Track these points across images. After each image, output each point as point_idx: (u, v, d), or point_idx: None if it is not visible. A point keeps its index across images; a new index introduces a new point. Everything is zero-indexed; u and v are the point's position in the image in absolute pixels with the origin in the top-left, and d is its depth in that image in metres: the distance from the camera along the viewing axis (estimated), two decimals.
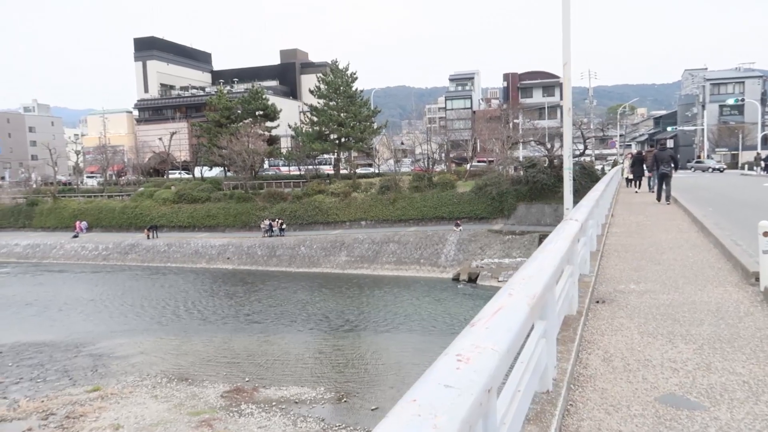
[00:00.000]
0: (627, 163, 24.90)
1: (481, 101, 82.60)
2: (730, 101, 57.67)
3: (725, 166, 50.31)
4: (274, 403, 16.93)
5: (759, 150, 48.63)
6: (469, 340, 1.59)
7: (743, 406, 3.01)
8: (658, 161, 17.83)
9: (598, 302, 5.33)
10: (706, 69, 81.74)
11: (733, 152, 63.55)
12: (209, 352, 22.68)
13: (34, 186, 63.26)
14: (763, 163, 39.97)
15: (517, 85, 74.63)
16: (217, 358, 21.71)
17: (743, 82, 71.03)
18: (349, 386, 18.39)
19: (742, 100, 60.44)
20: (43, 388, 18.77)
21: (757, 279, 5.56)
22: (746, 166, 44.97)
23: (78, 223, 51.04)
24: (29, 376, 19.99)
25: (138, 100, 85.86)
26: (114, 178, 65.99)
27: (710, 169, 49.34)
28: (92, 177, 71.50)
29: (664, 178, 17.64)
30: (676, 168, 18.29)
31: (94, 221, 51.73)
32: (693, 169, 51.78)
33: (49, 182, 64.36)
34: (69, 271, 42.08)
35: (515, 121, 53.76)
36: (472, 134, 57.08)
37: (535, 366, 2.61)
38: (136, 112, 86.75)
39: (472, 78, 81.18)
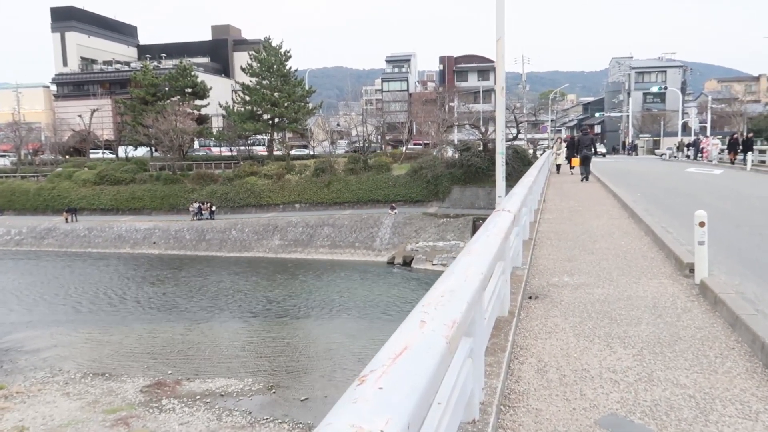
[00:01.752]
0: (556, 147, 24.91)
1: (417, 84, 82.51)
2: (654, 89, 59.92)
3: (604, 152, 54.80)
4: (198, 397, 16.08)
5: (680, 137, 50.84)
6: (348, 416, 1.05)
7: (692, 428, 2.64)
8: (580, 144, 20.12)
9: (531, 298, 4.96)
10: (632, 58, 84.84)
11: (655, 138, 66.37)
12: (130, 343, 21.41)
13: None
14: (686, 149, 41.75)
15: (453, 69, 74.90)
16: (138, 351, 20.51)
17: (665, 71, 74.11)
18: (278, 377, 17.75)
19: (665, 87, 63.04)
20: None
21: (692, 270, 5.36)
22: (667, 153, 47.11)
23: None
24: None
25: (56, 75, 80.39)
26: (29, 157, 61.63)
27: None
28: (4, 156, 66.49)
29: (585, 160, 19.90)
30: (595, 151, 21.45)
31: (6, 203, 48.13)
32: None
33: None
34: None
35: (451, 104, 53.87)
36: (408, 116, 56.81)
37: (458, 395, 2.11)
38: (54, 87, 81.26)
39: (409, 60, 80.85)
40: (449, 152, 43.49)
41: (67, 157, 59.69)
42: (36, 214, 46.53)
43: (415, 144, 53.58)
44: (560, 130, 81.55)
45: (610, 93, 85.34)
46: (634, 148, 61.66)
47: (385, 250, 35.10)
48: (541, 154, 33.67)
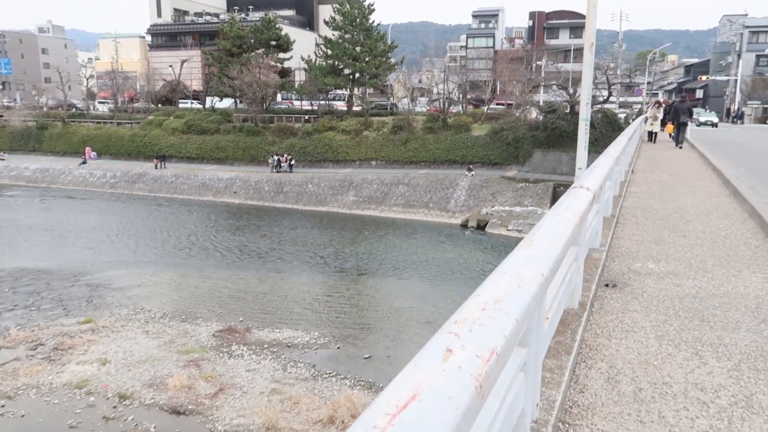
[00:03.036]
0: (651, 112, 22.51)
1: (504, 40, 79.18)
2: None
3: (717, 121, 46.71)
4: (266, 346, 16.52)
5: None
6: None
7: None
8: (678, 111, 20.47)
9: (607, 286, 4.39)
10: (746, 15, 77.16)
11: (765, 105, 60.61)
12: (207, 288, 22.30)
13: (45, 109, 62.40)
14: None
15: (543, 25, 71.12)
16: (214, 296, 21.33)
17: None
18: (344, 332, 17.92)
19: None
20: (36, 316, 18.53)
21: None
22: None
23: (87, 149, 50.41)
24: (24, 303, 19.76)
25: (151, 25, 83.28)
26: (126, 104, 64.82)
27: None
28: (104, 103, 70.30)
29: (682, 126, 20.59)
30: (691, 118, 22.32)
31: (103, 148, 51.08)
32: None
33: (59, 106, 63.40)
34: (76, 198, 41.82)
35: (538, 63, 51.30)
36: (492, 75, 54.75)
37: (503, 421, 1.71)
38: (149, 38, 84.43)
39: (497, 15, 77.50)
40: (533, 114, 41.66)
41: (159, 105, 62.27)
42: (129, 159, 49.13)
43: (497, 104, 51.70)
44: (657, 93, 76.15)
45: (718, 54, 78.35)
46: (740, 116, 56.61)
47: (459, 213, 34.46)
48: (634, 119, 31.42)
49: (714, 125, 43.84)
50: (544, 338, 2.38)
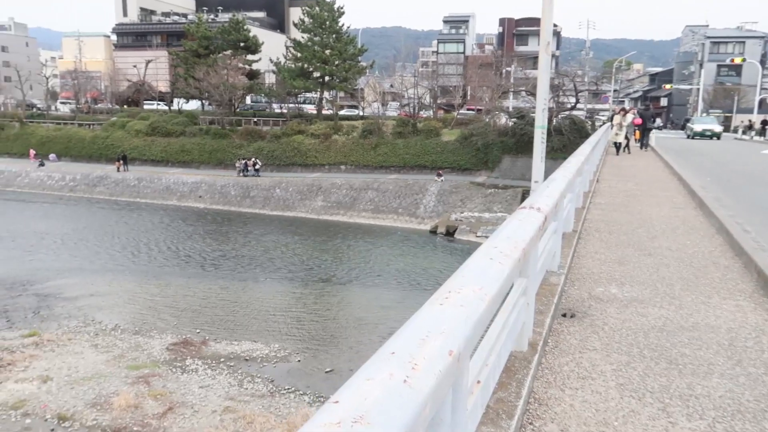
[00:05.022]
0: (617, 120, 22.03)
1: (474, 46, 79.44)
2: (738, 59, 54.97)
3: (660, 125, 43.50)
4: (222, 360, 15.79)
5: (756, 113, 46.88)
6: None
7: None
8: (644, 118, 23.35)
9: (565, 316, 3.92)
10: (708, 27, 78.94)
11: (726, 114, 61.89)
12: (164, 297, 21.41)
13: (2, 110, 60.17)
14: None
15: (513, 32, 71.55)
16: (171, 306, 20.46)
17: (744, 42, 68.66)
18: (306, 344, 17.29)
19: (745, 59, 58.30)
20: None
21: None
22: (740, 130, 43.14)
23: (32, 151, 48.37)
24: None
25: (116, 24, 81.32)
26: (89, 106, 62.93)
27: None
28: (66, 103, 68.27)
29: (647, 132, 23.50)
30: (653, 124, 26.59)
31: (64, 150, 49.36)
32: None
33: (18, 106, 61.22)
34: (32, 201, 40.25)
35: (508, 69, 51.42)
36: (462, 80, 54.71)
37: None
38: (114, 37, 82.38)
39: (467, 21, 77.70)
40: (502, 119, 41.62)
41: (123, 107, 60.62)
42: (90, 162, 47.57)
43: (468, 109, 51.60)
44: (623, 101, 77.27)
45: (681, 64, 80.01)
46: None
47: (428, 218, 34.09)
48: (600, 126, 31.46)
49: (716, 136, 33.68)
50: (471, 410, 1.85)
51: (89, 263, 25.66)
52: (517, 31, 71.49)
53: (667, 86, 69.13)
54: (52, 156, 48.21)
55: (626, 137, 21.59)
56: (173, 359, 15.73)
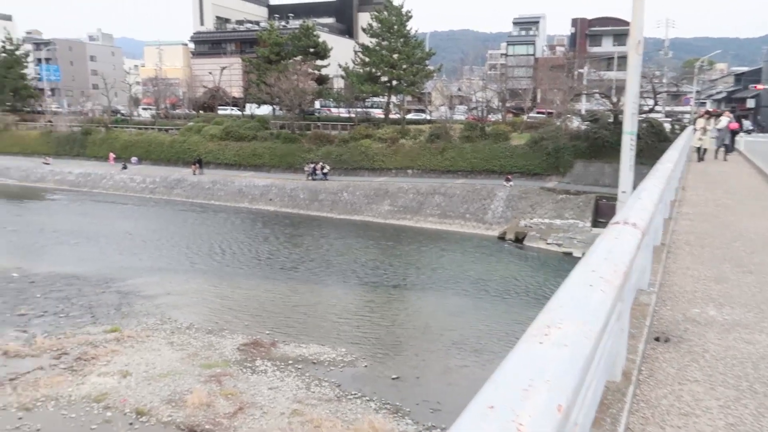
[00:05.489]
0: (701, 123, 20.33)
1: (545, 48, 77.59)
2: None
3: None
4: (290, 362, 16.00)
5: None
6: None
7: None
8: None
9: (658, 340, 3.62)
10: None
11: None
12: (236, 298, 22.00)
13: (90, 116, 64.02)
14: None
15: (586, 32, 69.35)
16: (242, 306, 21.00)
17: None
18: (373, 349, 17.28)
19: None
20: (64, 324, 18.50)
21: None
22: None
23: (111, 155, 51.23)
24: (54, 309, 19.80)
25: (194, 33, 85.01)
26: (167, 111, 65.96)
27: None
28: (147, 109, 71.85)
29: (733, 136, 21.73)
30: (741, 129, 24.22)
31: (144, 153, 51.90)
32: None
33: (104, 112, 64.98)
34: (116, 202, 42.48)
35: (580, 70, 49.83)
36: (532, 83, 53.49)
37: None
38: (192, 45, 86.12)
39: (537, 22, 76.06)
40: (574, 123, 40.34)
41: (199, 112, 63.14)
42: (169, 165, 49.77)
43: (538, 113, 50.40)
44: (704, 103, 73.20)
45: None
46: None
47: (496, 224, 33.47)
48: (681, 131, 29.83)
49: None
50: None
51: (166, 263, 26.74)
52: (590, 32, 69.26)
53: (759, 86, 64.88)
54: (133, 159, 50.79)
55: (724, 143, 20.05)
56: (244, 359, 16.09)
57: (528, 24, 76.40)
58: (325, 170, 41.78)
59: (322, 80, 53.79)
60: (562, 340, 1.49)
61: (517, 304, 21.37)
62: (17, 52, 67.41)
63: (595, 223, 30.77)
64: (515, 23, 77.79)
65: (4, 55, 65.85)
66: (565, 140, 37.25)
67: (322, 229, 34.56)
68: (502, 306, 21.24)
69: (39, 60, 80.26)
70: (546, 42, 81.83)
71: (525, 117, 47.11)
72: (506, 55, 77.11)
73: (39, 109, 69.54)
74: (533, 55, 71.64)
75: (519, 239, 30.90)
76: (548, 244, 29.64)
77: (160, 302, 20.97)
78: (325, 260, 27.54)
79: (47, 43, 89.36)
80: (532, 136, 39.09)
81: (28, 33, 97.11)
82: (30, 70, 72.72)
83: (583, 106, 45.62)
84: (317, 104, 58.21)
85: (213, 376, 14.79)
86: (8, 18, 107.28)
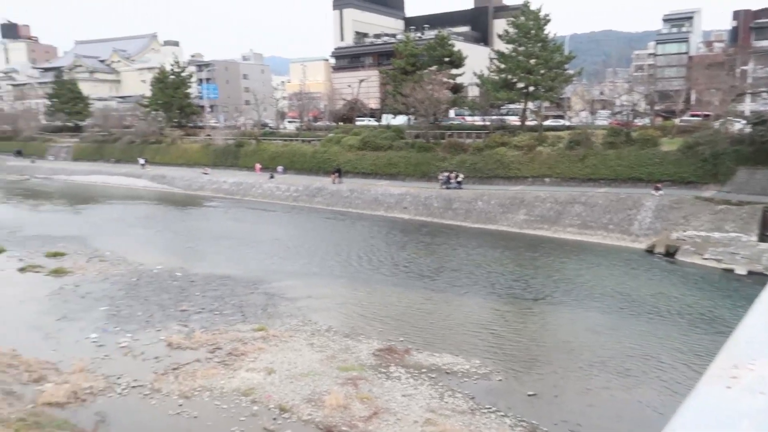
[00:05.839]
0: None
1: (700, 45, 71.10)
2: None
3: None
4: (424, 370, 16.03)
5: None
6: None
7: None
8: None
9: None
10: None
11: None
12: (371, 304, 22.55)
13: (243, 129, 69.56)
14: None
15: (750, 25, 62.46)
16: (377, 312, 21.44)
17: None
18: (508, 363, 16.78)
19: None
20: (218, 320, 20.11)
21: None
22: None
23: (257, 165, 55.18)
24: (210, 307, 21.61)
25: (335, 48, 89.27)
26: (309, 123, 69.80)
27: None
28: (292, 122, 76.59)
29: None
30: None
31: (289, 163, 55.26)
32: None
33: (254, 126, 70.26)
34: (263, 209, 45.61)
35: (744, 68, 44.93)
36: (685, 84, 49.22)
37: None
38: (332, 60, 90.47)
39: (691, 18, 69.95)
40: (736, 126, 36.43)
41: (339, 123, 66.03)
42: (310, 174, 52.54)
43: (692, 115, 46.23)
44: None
45: None
46: None
47: (643, 236, 31.12)
48: None
49: None
50: None
51: (308, 267, 28.11)
52: (755, 24, 62.29)
53: None
54: (279, 168, 54.28)
55: None
56: (378, 365, 16.39)
57: (680, 20, 70.55)
58: (459, 179, 41.62)
59: (456, 89, 53.80)
60: (756, 386, 1.24)
61: (668, 325, 19.64)
62: (183, 74, 75.18)
63: (763, 237, 27.49)
64: (666, 20, 72.21)
65: (172, 77, 73.73)
66: (726, 145, 33.76)
67: (457, 237, 34.39)
68: (651, 326, 19.62)
69: (200, 80, 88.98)
70: (701, 38, 74.98)
71: (677, 120, 43.43)
72: (655, 54, 71.85)
73: (200, 124, 76.95)
74: (686, 53, 66.00)
75: (670, 253, 28.45)
76: (705, 259, 26.96)
77: (302, 305, 22.07)
78: (459, 269, 27.33)
79: (207, 65, 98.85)
80: (686, 141, 35.91)
81: (192, 56, 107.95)
82: (193, 90, 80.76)
83: (747, 106, 41.07)
84: (452, 113, 58.28)
85: (349, 379, 15.23)
86: (176, 44, 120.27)
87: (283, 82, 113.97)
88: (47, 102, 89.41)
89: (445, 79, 50.78)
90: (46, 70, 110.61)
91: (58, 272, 25.95)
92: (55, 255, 29.12)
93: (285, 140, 60.39)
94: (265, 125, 71.13)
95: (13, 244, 31.83)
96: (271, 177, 52.53)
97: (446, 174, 42.15)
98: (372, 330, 19.38)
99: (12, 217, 42.52)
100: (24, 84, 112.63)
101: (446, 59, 53.86)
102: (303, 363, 16.30)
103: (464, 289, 24.30)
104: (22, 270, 26.64)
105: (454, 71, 54.19)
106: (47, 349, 17.28)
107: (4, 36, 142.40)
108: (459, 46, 58.23)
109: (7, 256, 29.36)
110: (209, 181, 55.95)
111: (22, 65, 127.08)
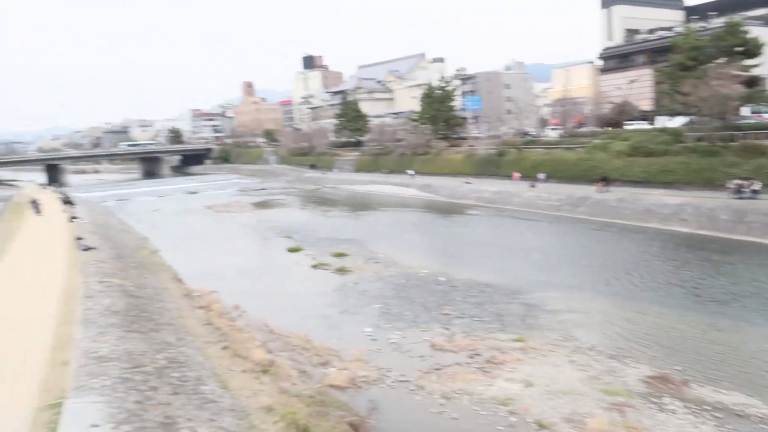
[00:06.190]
0: None
1: None
2: None
3: None
4: (707, 407, 14.05)
5: None
6: None
7: None
8: None
9: None
10: None
11: None
12: (642, 325, 20.59)
13: (504, 138, 70.21)
14: None
15: None
16: (648, 335, 19.48)
17: None
18: None
19: None
20: (477, 327, 20.55)
21: None
22: None
23: (515, 174, 54.57)
24: (470, 313, 22.22)
25: (602, 50, 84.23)
26: (572, 129, 67.13)
27: None
28: (554, 129, 74.65)
29: None
30: None
31: (550, 171, 53.95)
32: None
33: (516, 135, 70.31)
34: (523, 219, 45.24)
35: None
36: None
37: None
38: (599, 62, 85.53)
39: None
40: None
41: (605, 128, 62.13)
42: (572, 183, 50.45)
43: None
44: None
45: None
46: None
47: None
48: None
49: None
50: None
51: (570, 280, 26.90)
52: None
53: None
54: (541, 176, 53.33)
55: None
56: (648, 393, 14.89)
57: None
58: (754, 187, 35.50)
59: (752, 82, 46.06)
60: None
61: None
62: (448, 88, 79.14)
63: None
64: None
65: (438, 91, 78.20)
66: None
67: (753, 257, 29.28)
68: None
69: (464, 92, 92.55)
70: None
71: None
72: None
73: (463, 135, 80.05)
74: None
75: None
76: None
77: (563, 318, 21.25)
78: (758, 295, 23.14)
79: (470, 77, 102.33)
80: None
81: (456, 71, 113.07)
82: (457, 102, 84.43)
83: None
84: (746, 110, 50.10)
85: (615, 405, 14.14)
86: (441, 60, 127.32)
87: (545, 89, 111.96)
88: (335, 121, 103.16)
89: (736, 72, 43.92)
90: (335, 93, 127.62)
91: (341, 270, 29.61)
92: (340, 255, 33.28)
93: (547, 148, 59.10)
94: (526, 133, 70.67)
95: (308, 244, 37.43)
96: (532, 186, 51.87)
97: (738, 182, 36.35)
98: (641, 354, 17.68)
99: (308, 221, 49.96)
100: (318, 107, 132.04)
101: (738, 49, 46.52)
102: (563, 380, 15.66)
103: (763, 319, 20.55)
104: (314, 267, 31.12)
105: (748, 62, 46.53)
106: (332, 338, 19.79)
107: (305, 67, 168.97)
108: (756, 32, 49.82)
109: (304, 254, 34.61)
110: (471, 190, 57.68)
111: (317, 91, 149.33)
